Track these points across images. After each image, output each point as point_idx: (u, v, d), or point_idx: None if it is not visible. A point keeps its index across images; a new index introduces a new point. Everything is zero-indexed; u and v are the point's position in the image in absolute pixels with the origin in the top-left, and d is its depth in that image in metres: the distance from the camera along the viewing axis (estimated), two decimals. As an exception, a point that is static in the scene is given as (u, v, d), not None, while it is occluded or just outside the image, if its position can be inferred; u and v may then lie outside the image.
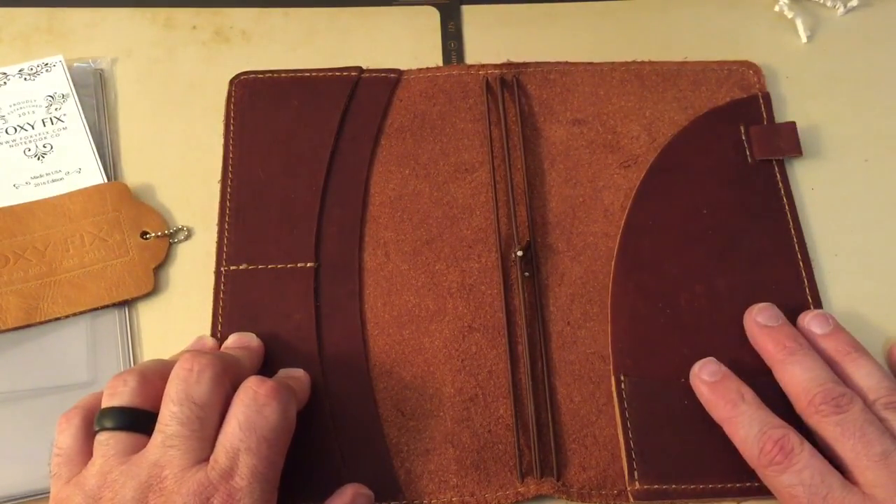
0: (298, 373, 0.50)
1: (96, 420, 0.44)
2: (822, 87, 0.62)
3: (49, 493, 0.46)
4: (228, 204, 0.55)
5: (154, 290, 0.53)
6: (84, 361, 0.51)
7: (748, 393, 0.47)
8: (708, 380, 0.49)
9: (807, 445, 0.44)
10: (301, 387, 0.49)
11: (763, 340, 0.50)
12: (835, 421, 0.45)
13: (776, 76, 0.62)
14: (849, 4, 0.65)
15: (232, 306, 0.52)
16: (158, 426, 0.43)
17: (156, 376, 0.45)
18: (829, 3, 0.65)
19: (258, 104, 0.58)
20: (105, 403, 0.45)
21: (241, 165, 0.56)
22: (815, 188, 0.58)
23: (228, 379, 0.45)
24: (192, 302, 0.53)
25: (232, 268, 0.53)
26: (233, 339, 0.51)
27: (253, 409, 0.43)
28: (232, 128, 0.58)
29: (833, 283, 0.55)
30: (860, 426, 0.44)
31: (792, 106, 0.59)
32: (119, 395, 0.44)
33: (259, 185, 0.56)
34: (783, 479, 0.44)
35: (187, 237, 0.55)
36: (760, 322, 0.51)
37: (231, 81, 0.59)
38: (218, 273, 0.53)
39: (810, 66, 0.63)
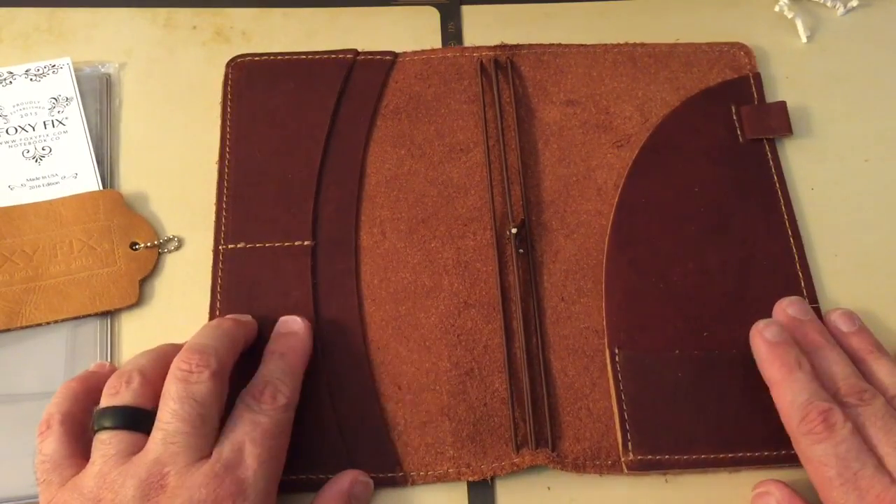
0: (297, 325, 0.50)
1: (95, 419, 0.44)
2: (822, 87, 0.62)
3: (23, 499, 0.47)
4: (226, 184, 0.56)
5: (138, 302, 0.53)
6: (62, 370, 0.51)
7: (805, 363, 0.48)
8: (770, 338, 0.49)
9: (849, 424, 0.44)
10: (301, 349, 0.49)
11: (791, 332, 0.50)
12: (857, 412, 0.45)
13: (776, 76, 0.62)
14: (849, 4, 0.65)
15: (230, 284, 0.53)
16: (158, 424, 0.43)
17: (156, 375, 0.46)
18: (829, 3, 0.65)
19: (255, 86, 0.59)
20: (105, 403, 0.45)
21: (239, 146, 0.57)
22: (815, 188, 0.58)
23: (227, 372, 0.46)
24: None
25: (230, 246, 0.54)
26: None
27: (256, 409, 0.44)
28: (229, 109, 0.58)
29: (833, 283, 0.55)
30: (881, 417, 0.45)
31: (792, 106, 0.59)
32: (121, 395, 0.45)
33: (256, 165, 0.56)
34: (818, 449, 0.44)
35: (177, 248, 0.55)
36: (790, 314, 0.51)
37: (227, 64, 0.60)
38: (216, 252, 0.54)
39: (810, 66, 0.63)
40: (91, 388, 0.47)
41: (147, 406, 0.45)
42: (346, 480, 0.47)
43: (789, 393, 0.47)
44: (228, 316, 0.51)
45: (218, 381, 0.45)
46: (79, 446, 0.45)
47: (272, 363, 0.48)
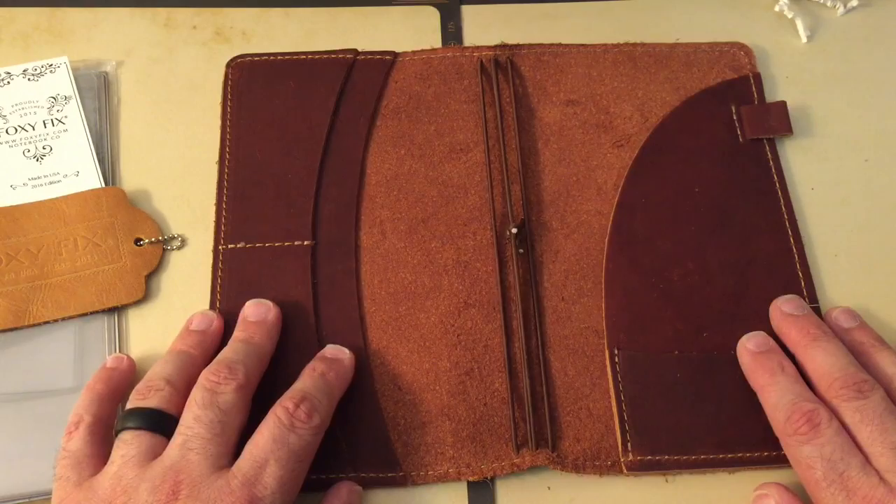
0: (345, 355, 0.50)
1: (120, 420, 0.45)
2: (822, 87, 0.62)
3: (33, 496, 0.47)
4: (226, 184, 0.56)
5: (145, 298, 0.53)
6: (70, 367, 0.51)
7: (789, 366, 0.48)
8: (752, 349, 0.50)
9: (835, 423, 0.44)
10: (344, 375, 0.49)
11: (787, 327, 0.51)
12: (854, 406, 0.45)
13: (776, 76, 0.62)
14: (849, 4, 0.65)
15: (230, 284, 0.53)
16: (180, 428, 0.43)
17: (183, 385, 0.46)
18: (829, 3, 0.65)
19: (255, 86, 0.59)
20: (132, 405, 0.45)
21: (239, 146, 0.57)
22: (815, 188, 0.58)
23: (252, 388, 0.47)
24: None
25: (230, 246, 0.54)
26: (251, 310, 0.51)
27: (287, 426, 0.44)
28: (229, 109, 0.58)
29: (833, 283, 0.55)
30: (879, 413, 0.44)
31: (792, 106, 0.59)
32: (149, 400, 0.45)
33: (256, 165, 0.56)
34: (804, 450, 0.44)
35: (181, 245, 0.55)
36: (786, 311, 0.51)
37: (228, 64, 0.60)
38: (216, 252, 0.54)
39: (810, 66, 0.63)
40: (115, 388, 0.48)
41: (172, 411, 0.45)
42: (344, 492, 0.47)
43: (773, 396, 0.47)
44: (253, 318, 0.50)
45: (242, 395, 0.45)
46: (102, 448, 0.45)
47: (312, 380, 0.48)
